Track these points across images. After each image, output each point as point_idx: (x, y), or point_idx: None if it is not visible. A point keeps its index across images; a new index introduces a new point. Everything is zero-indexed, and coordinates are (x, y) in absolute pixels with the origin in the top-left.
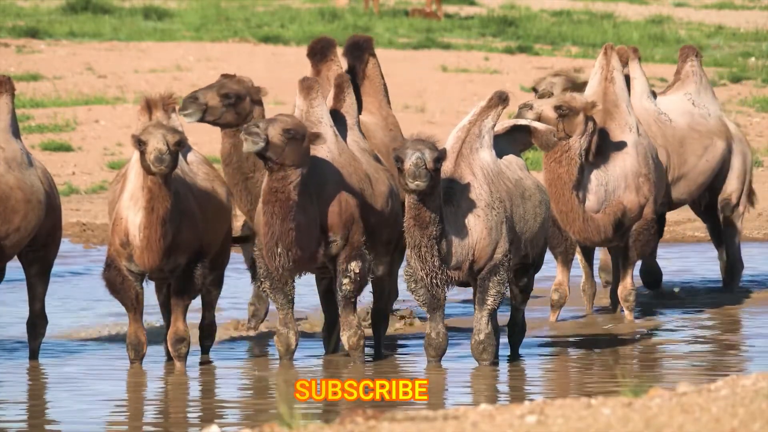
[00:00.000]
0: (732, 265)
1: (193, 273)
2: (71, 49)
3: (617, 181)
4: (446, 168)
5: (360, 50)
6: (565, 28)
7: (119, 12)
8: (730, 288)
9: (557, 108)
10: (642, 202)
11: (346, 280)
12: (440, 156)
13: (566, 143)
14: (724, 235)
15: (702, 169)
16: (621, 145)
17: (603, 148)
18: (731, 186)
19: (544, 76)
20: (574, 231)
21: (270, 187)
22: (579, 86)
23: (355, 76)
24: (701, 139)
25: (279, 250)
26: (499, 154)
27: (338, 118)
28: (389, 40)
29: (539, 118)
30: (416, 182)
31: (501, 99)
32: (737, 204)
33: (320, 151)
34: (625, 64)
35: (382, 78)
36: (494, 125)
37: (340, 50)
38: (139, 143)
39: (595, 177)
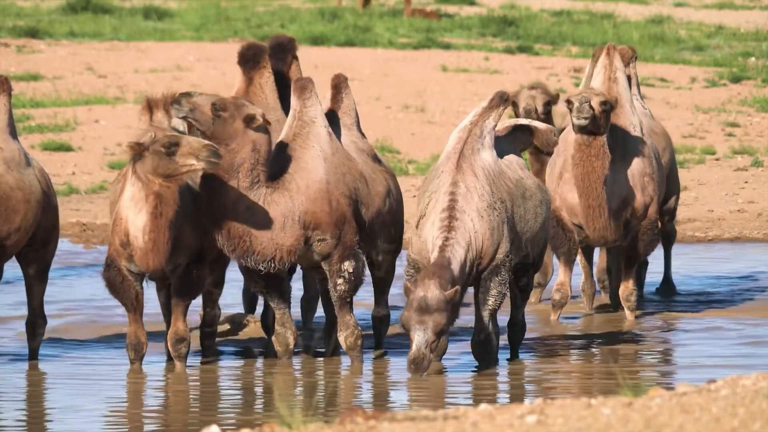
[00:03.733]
0: (668, 268)
1: (193, 273)
2: (71, 49)
3: (625, 181)
4: (447, 169)
5: (284, 52)
6: (565, 28)
7: (119, 12)
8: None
9: (603, 103)
10: (647, 201)
11: (340, 280)
12: (443, 329)
13: (601, 138)
14: (665, 241)
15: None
16: (626, 145)
17: (610, 147)
18: (673, 190)
19: (518, 89)
20: (595, 227)
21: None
22: (555, 98)
23: (278, 78)
24: (660, 142)
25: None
26: (500, 154)
27: (335, 119)
28: (389, 40)
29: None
30: (418, 372)
31: (502, 99)
32: (675, 208)
33: (312, 150)
34: (627, 64)
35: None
36: (495, 126)
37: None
38: (170, 146)
39: (609, 176)
